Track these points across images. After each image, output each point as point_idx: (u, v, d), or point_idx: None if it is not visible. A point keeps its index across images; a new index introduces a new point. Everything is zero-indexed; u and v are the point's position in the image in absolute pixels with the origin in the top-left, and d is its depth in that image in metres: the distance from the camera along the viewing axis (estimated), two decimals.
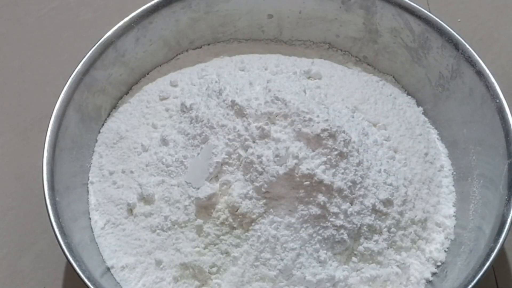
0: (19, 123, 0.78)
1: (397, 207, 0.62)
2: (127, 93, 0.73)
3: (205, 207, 0.61)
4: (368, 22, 0.74)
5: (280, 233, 0.59)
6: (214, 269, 0.60)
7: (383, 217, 0.62)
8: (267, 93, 0.64)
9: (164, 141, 0.66)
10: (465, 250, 0.62)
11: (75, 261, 0.57)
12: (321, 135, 0.60)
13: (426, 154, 0.68)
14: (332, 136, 0.60)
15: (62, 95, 0.65)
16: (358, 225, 0.60)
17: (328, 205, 0.59)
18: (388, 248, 0.62)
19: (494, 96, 0.65)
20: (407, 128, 0.69)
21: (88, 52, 0.68)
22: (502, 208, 0.59)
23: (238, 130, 0.62)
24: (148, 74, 0.75)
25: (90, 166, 0.68)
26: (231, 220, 0.60)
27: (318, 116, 0.61)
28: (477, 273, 0.57)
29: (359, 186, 0.61)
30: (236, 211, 0.60)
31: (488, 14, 0.86)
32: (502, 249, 0.60)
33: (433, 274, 0.63)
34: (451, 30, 0.69)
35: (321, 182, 0.59)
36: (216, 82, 0.68)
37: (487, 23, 0.86)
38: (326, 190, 0.59)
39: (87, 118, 0.68)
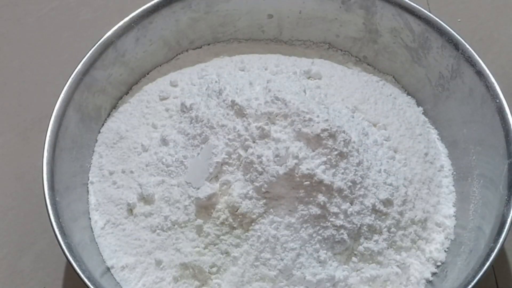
0: (19, 123, 0.78)
1: (397, 207, 0.62)
2: (127, 93, 0.73)
3: (205, 207, 0.61)
4: (368, 22, 0.74)
5: (280, 233, 0.59)
6: (214, 269, 0.60)
7: (383, 217, 0.62)
8: (267, 93, 0.64)
9: (164, 141, 0.66)
10: (465, 250, 0.62)
11: (75, 261, 0.57)
12: (321, 135, 0.60)
13: (426, 154, 0.68)
14: (332, 136, 0.60)
15: (62, 95, 0.65)
16: (358, 225, 0.60)
17: (328, 205, 0.59)
18: (388, 248, 0.62)
19: (494, 96, 0.65)
20: (407, 128, 0.69)
21: (88, 52, 0.68)
22: (502, 208, 0.59)
23: (238, 130, 0.62)
24: (148, 74, 0.75)
25: (90, 166, 0.68)
26: (231, 220, 0.60)
27: (318, 116, 0.61)
28: (477, 273, 0.57)
29: (359, 186, 0.61)
30: (236, 211, 0.60)
31: (488, 14, 0.86)
32: (502, 249, 0.60)
33: (433, 274, 0.63)
34: (451, 30, 0.69)
35: (321, 182, 0.59)
36: (216, 82, 0.68)
37: (487, 23, 0.86)
38: (326, 190, 0.59)
39: (87, 118, 0.68)
